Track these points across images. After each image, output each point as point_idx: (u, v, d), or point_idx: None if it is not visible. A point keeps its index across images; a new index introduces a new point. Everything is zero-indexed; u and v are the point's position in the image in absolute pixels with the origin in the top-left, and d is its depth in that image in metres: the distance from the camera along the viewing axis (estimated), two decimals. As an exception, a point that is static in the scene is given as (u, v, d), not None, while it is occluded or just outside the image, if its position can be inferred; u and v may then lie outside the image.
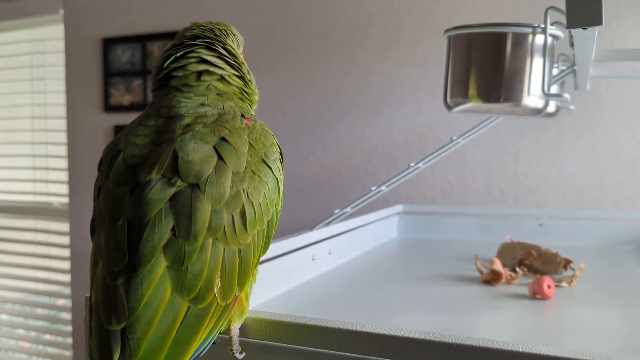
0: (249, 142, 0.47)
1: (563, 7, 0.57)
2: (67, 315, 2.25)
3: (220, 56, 0.52)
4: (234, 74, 0.52)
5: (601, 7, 0.55)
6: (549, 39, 0.90)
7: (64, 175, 2.21)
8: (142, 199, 0.41)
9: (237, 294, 0.45)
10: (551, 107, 0.98)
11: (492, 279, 0.83)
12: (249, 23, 1.80)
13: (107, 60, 2.03)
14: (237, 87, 0.52)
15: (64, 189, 2.22)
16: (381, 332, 0.45)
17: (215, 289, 0.42)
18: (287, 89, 1.76)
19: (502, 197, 1.54)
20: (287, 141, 1.75)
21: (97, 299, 0.40)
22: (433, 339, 0.43)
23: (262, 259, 0.72)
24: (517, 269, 0.87)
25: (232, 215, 0.43)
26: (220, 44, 0.53)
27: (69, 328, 2.22)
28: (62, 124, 2.19)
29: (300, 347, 0.48)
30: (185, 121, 0.45)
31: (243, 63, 0.55)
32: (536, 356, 0.40)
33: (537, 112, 0.93)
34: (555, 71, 0.96)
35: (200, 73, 0.50)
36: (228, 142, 0.44)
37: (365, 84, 1.67)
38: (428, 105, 1.60)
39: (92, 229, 0.45)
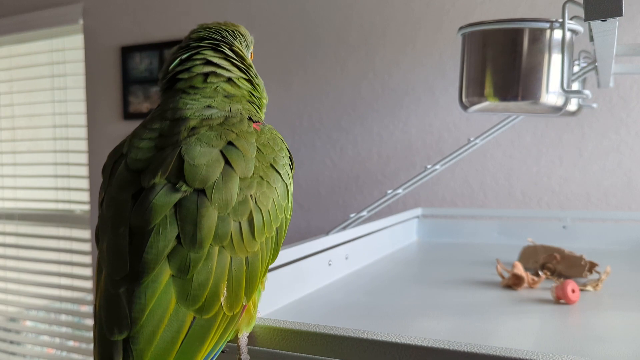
0: (257, 147, 0.45)
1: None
2: (90, 322, 2.27)
3: (227, 58, 0.51)
4: (241, 77, 0.51)
5: (621, -3, 0.53)
6: (568, 34, 0.87)
7: (85, 183, 2.23)
8: (146, 205, 0.39)
9: (244, 303, 0.43)
10: (573, 106, 0.94)
11: (513, 283, 0.81)
12: (266, 28, 1.80)
13: (126, 69, 2.05)
14: (245, 89, 0.51)
15: (85, 196, 2.25)
16: (393, 340, 0.43)
17: (222, 299, 0.40)
18: (303, 93, 1.76)
19: (523, 199, 1.51)
20: (303, 145, 1.74)
21: (100, 308, 0.39)
22: (448, 347, 0.41)
23: (277, 264, 0.71)
24: (540, 273, 0.85)
25: (240, 222, 0.41)
26: (227, 46, 0.52)
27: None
28: (83, 132, 2.22)
29: (310, 355, 0.46)
30: (191, 124, 0.44)
31: (251, 65, 0.53)
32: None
33: (557, 110, 0.90)
34: (576, 68, 0.93)
35: (206, 75, 0.49)
36: (235, 146, 0.43)
37: (381, 87, 1.66)
38: (445, 106, 1.58)
39: (97, 236, 0.44)
